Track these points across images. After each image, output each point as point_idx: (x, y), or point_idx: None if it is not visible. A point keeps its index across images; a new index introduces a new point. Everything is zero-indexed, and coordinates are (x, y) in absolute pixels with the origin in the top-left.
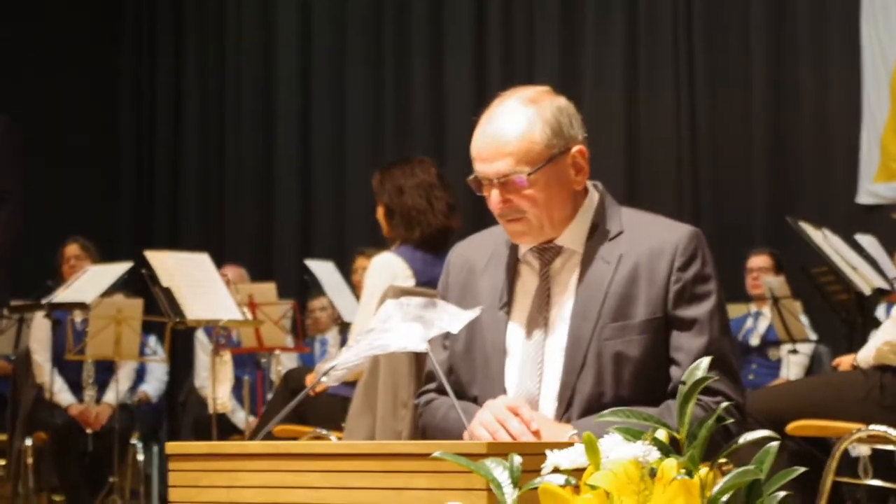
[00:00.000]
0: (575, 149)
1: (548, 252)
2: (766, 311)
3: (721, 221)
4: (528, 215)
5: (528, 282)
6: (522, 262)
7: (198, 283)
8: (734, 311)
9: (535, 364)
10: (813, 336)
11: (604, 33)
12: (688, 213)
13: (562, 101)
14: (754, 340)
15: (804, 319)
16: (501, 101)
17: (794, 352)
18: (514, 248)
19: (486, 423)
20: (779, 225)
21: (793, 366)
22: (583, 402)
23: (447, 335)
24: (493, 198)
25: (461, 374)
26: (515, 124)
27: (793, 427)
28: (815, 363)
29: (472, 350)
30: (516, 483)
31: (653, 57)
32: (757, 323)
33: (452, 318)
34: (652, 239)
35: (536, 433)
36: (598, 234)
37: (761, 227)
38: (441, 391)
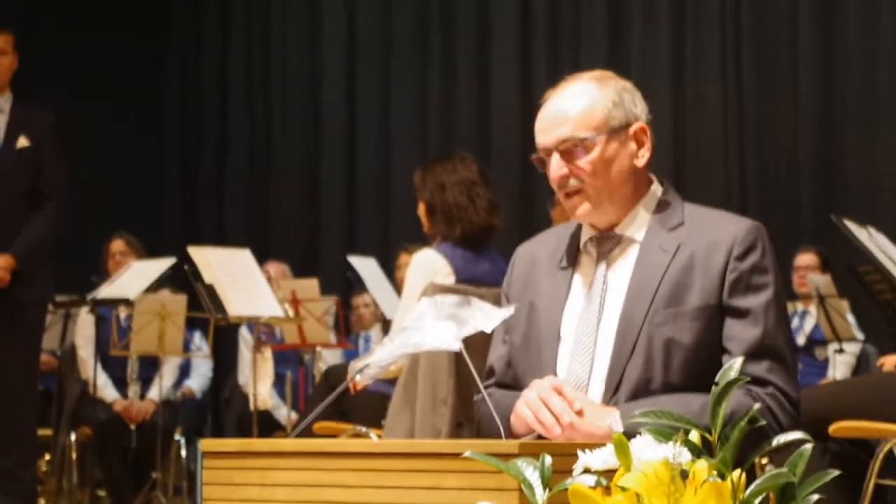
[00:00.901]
0: (637, 124)
1: (608, 241)
2: (813, 309)
3: (768, 219)
4: (587, 187)
5: (586, 270)
6: (583, 251)
7: (239, 279)
8: None
9: (586, 349)
10: (860, 335)
11: (650, 31)
12: (734, 211)
13: (627, 84)
14: (801, 339)
15: (851, 318)
16: (567, 81)
17: (841, 351)
18: (575, 239)
19: (529, 401)
20: (827, 223)
21: (840, 365)
22: (630, 387)
23: (507, 330)
24: (553, 165)
25: (518, 365)
26: (577, 98)
27: (835, 428)
28: (863, 363)
29: (529, 341)
30: (547, 483)
31: (699, 58)
32: (803, 322)
33: (487, 316)
34: (711, 231)
35: (579, 412)
36: (658, 224)
37: (809, 225)
38: (501, 385)
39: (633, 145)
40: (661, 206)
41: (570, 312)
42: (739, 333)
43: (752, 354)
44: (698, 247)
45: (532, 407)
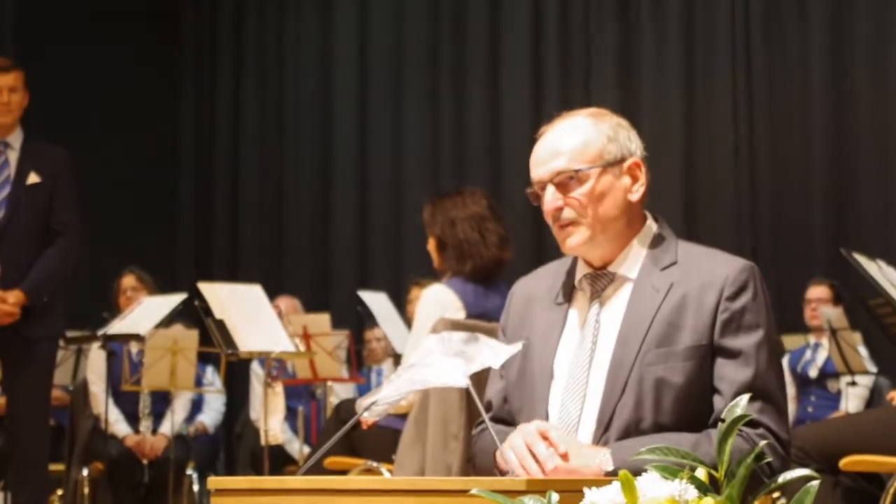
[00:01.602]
0: (631, 159)
1: (601, 279)
2: (825, 342)
3: (781, 252)
4: (581, 218)
5: (581, 307)
6: (578, 288)
7: (250, 314)
8: (793, 342)
9: (578, 387)
10: (872, 368)
11: (661, 62)
12: (747, 244)
13: (622, 120)
14: (813, 372)
15: (863, 351)
16: (563, 117)
17: (854, 384)
18: (570, 275)
19: (515, 447)
20: (839, 256)
21: (852, 398)
22: (621, 426)
23: (503, 365)
24: (548, 198)
25: (513, 401)
26: (573, 132)
27: (846, 462)
28: (876, 395)
29: (524, 377)
30: None
31: (710, 86)
32: (815, 355)
33: (495, 353)
34: (704, 271)
35: (564, 456)
36: (651, 263)
37: (821, 257)
38: (498, 420)
39: (627, 180)
40: (655, 244)
41: (563, 350)
42: (730, 374)
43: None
44: (691, 287)
45: (518, 453)
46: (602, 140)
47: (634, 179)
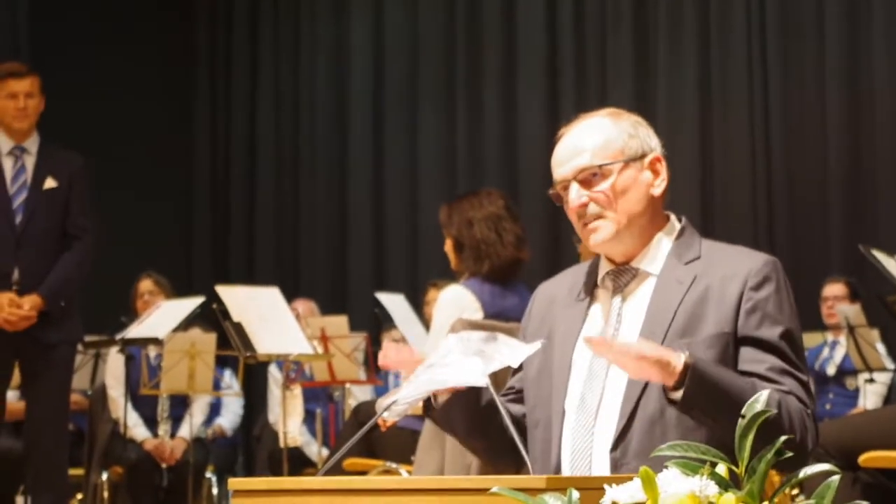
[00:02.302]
0: (652, 154)
1: (624, 275)
2: (843, 339)
3: (797, 249)
4: (606, 213)
5: (603, 303)
6: (600, 286)
7: (268, 317)
8: (810, 340)
9: (598, 380)
10: (890, 364)
11: (677, 64)
12: (763, 242)
13: (640, 119)
14: (831, 370)
15: (881, 348)
16: (581, 119)
17: (872, 381)
18: (592, 274)
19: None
20: (855, 254)
21: (870, 395)
22: (646, 417)
23: (521, 364)
24: (573, 196)
25: (529, 398)
26: (593, 131)
27: (865, 458)
28: (894, 391)
29: (542, 373)
30: None
31: (726, 88)
32: (833, 352)
33: (513, 352)
34: (727, 264)
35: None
36: (675, 258)
37: (839, 254)
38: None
39: (649, 174)
40: (679, 240)
41: (583, 343)
42: (758, 357)
43: (775, 373)
44: (714, 279)
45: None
46: (623, 136)
47: (656, 174)
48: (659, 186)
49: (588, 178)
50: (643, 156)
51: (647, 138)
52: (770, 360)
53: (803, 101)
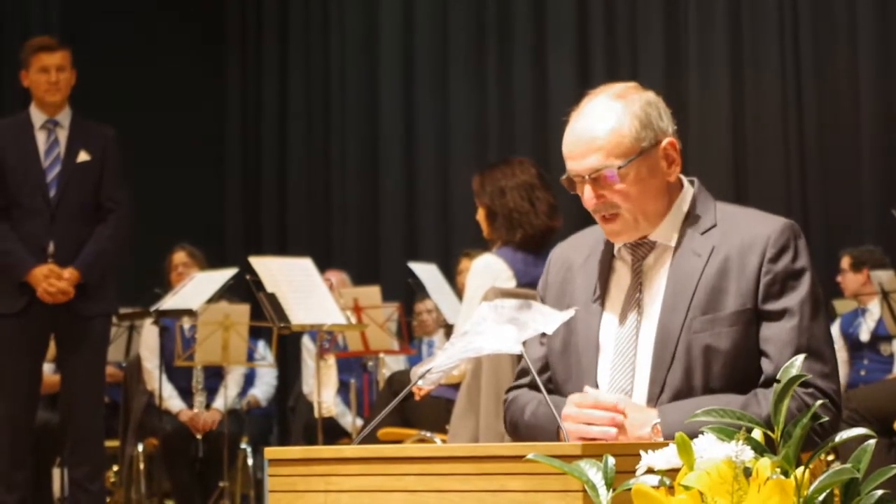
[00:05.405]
0: (665, 141)
1: (641, 248)
2: (870, 307)
3: (829, 217)
4: (622, 211)
5: (622, 277)
6: (617, 258)
7: (301, 288)
8: (844, 306)
9: (627, 359)
10: None
11: (708, 26)
12: (796, 209)
13: (650, 96)
14: (865, 336)
15: None
16: (590, 99)
17: None
18: (609, 245)
19: (572, 416)
20: (889, 217)
21: None
22: (672, 395)
23: (544, 333)
24: (587, 195)
25: (557, 372)
26: (604, 120)
27: None
28: None
29: (568, 348)
30: (610, 484)
31: (758, 50)
32: (866, 318)
33: (547, 319)
34: (744, 232)
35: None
36: (691, 228)
37: (871, 220)
38: (532, 387)
39: (663, 163)
40: (693, 208)
41: (607, 321)
42: (776, 335)
43: (791, 355)
44: (732, 248)
45: (580, 419)
46: (635, 126)
47: (670, 161)
48: (674, 172)
49: (602, 178)
50: (657, 143)
51: (658, 122)
52: (787, 338)
53: (836, 64)
